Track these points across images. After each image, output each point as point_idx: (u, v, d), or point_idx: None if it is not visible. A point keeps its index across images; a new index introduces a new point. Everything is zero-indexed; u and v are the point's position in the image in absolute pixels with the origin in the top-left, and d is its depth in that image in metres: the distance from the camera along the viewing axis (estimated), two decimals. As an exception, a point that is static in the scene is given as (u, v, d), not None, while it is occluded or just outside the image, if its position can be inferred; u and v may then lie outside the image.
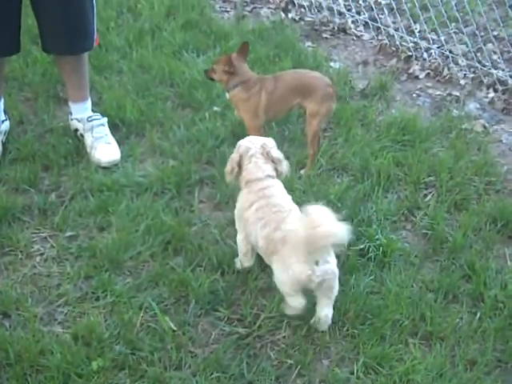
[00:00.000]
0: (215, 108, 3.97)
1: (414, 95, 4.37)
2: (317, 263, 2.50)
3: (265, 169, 2.78)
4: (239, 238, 2.87)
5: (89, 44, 3.43)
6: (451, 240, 3.16)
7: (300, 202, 3.19)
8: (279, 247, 2.58)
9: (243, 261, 2.90)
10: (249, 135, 3.41)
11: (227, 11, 5.24)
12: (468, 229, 3.20)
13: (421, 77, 4.52)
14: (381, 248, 3.05)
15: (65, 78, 3.56)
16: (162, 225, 3.11)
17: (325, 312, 2.64)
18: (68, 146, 3.57)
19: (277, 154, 2.85)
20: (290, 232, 2.55)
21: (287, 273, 2.54)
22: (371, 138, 3.80)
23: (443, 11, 4.84)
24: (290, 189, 3.12)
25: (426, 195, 3.50)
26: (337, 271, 2.57)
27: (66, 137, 3.63)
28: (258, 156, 2.79)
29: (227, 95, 3.50)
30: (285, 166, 2.85)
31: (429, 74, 4.55)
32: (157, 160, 3.60)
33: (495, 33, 4.93)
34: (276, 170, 2.83)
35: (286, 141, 3.78)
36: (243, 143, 2.85)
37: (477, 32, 4.76)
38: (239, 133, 3.75)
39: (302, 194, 3.37)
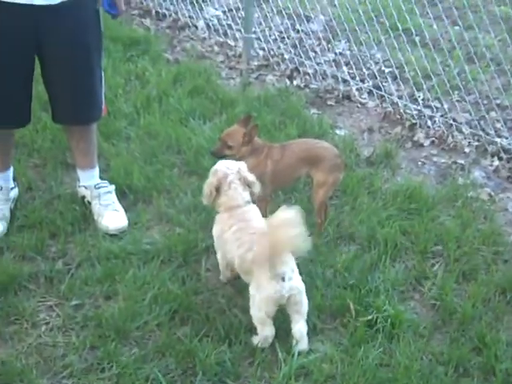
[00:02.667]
0: (222, 175, 3.99)
1: (420, 163, 4.40)
2: (283, 279, 2.72)
3: (244, 195, 3.01)
4: (219, 255, 3.13)
5: (96, 114, 3.48)
6: (460, 311, 3.13)
7: (307, 272, 3.21)
8: (251, 267, 2.80)
9: (224, 275, 3.18)
10: (256, 204, 3.47)
11: (233, 78, 5.32)
12: (477, 300, 3.18)
13: (425, 144, 4.56)
14: (389, 319, 3.02)
15: (73, 146, 3.59)
16: (169, 294, 3.09)
17: (297, 327, 2.83)
18: (75, 213, 3.57)
19: (251, 177, 3.05)
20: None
21: (260, 293, 2.76)
22: (377, 207, 3.81)
23: (445, 80, 4.91)
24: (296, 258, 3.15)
25: (433, 264, 3.48)
26: (302, 287, 2.82)
27: (74, 204, 3.65)
28: (236, 182, 2.99)
29: None
30: (258, 187, 3.07)
31: (433, 141, 4.59)
32: (163, 227, 3.60)
33: (498, 101, 4.99)
34: (251, 192, 3.04)
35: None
36: (220, 168, 3.03)
37: (479, 100, 4.82)
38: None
39: (308, 263, 3.36)
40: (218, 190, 3.01)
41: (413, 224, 3.68)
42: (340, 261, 3.39)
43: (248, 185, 3.04)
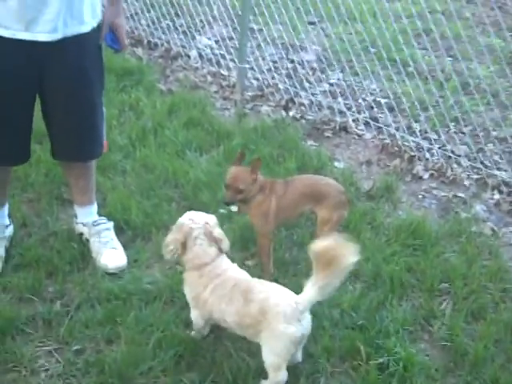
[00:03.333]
0: (221, 210, 3.91)
1: (420, 196, 4.35)
2: (299, 320, 2.64)
3: (210, 252, 2.84)
4: (194, 314, 2.93)
5: (98, 151, 3.39)
6: (472, 352, 3.05)
7: (313, 311, 3.12)
8: (260, 319, 2.65)
9: (199, 332, 2.99)
10: (259, 240, 3.39)
11: (227, 109, 5.26)
12: (488, 340, 3.11)
13: (425, 177, 4.51)
14: (401, 362, 2.93)
15: (71, 182, 3.49)
16: (174, 337, 2.99)
17: (298, 354, 2.84)
18: (73, 251, 3.47)
19: (218, 233, 2.89)
20: (265, 301, 2.67)
21: (279, 340, 2.63)
22: (381, 243, 3.74)
23: (442, 111, 4.88)
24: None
25: (440, 303, 3.41)
26: None
27: (71, 241, 3.54)
28: (202, 237, 2.83)
29: (234, 208, 3.41)
30: (226, 245, 2.91)
31: (432, 174, 4.54)
32: (164, 265, 3.50)
33: (495, 133, 4.97)
34: (219, 248, 2.87)
35: (294, 245, 3.72)
36: (185, 222, 2.87)
37: (477, 132, 4.79)
38: (248, 236, 3.70)
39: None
40: (183, 245, 2.85)
41: (418, 261, 3.61)
42: (346, 300, 3.31)
43: (215, 240, 2.87)
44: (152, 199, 3.96)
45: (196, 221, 2.89)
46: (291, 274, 3.52)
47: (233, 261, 3.27)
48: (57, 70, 3.03)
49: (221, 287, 2.79)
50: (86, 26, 3.03)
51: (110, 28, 3.16)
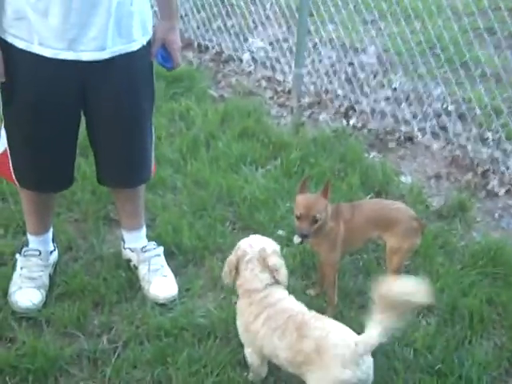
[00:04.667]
0: (280, 232, 3.61)
1: (496, 215, 3.97)
2: (358, 365, 2.37)
3: (262, 278, 2.61)
4: (248, 351, 2.67)
5: (146, 176, 3.13)
6: None
7: (383, 351, 2.81)
8: (314, 357, 2.40)
9: (257, 374, 2.71)
10: (324, 269, 3.08)
11: (283, 117, 4.95)
12: None
13: (501, 194, 4.13)
14: (487, 416, 2.60)
15: (119, 206, 3.24)
16: (230, 381, 2.70)
17: None
18: (120, 279, 3.20)
19: (274, 261, 2.62)
20: (321, 340, 2.40)
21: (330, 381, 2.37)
22: (456, 270, 3.39)
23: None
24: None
25: (525, 342, 3.05)
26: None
27: (118, 268, 3.28)
28: (254, 263, 2.61)
29: (297, 239, 3.01)
30: (283, 276, 2.64)
31: (509, 190, 4.16)
32: (218, 295, 3.22)
33: None
34: (274, 278, 2.62)
35: (360, 272, 3.40)
36: (242, 245, 2.67)
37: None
38: (308, 262, 3.40)
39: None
40: (237, 268, 2.65)
41: (498, 292, 3.25)
42: (420, 337, 2.98)
43: (269, 269, 2.61)
44: (204, 219, 3.68)
45: (253, 245, 2.67)
46: (357, 306, 3.20)
47: (293, 289, 3.01)
48: (103, 90, 2.76)
49: (273, 318, 2.54)
50: (136, 44, 2.75)
51: (162, 45, 2.87)
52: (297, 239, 3.01)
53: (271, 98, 5.21)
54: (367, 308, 3.13)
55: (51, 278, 3.17)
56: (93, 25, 2.58)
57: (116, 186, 3.12)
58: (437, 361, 2.87)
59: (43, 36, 2.57)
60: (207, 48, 5.91)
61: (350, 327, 2.96)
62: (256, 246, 2.66)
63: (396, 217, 3.06)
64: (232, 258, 2.68)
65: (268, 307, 2.57)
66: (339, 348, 2.39)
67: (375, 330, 2.39)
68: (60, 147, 2.87)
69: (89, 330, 2.96)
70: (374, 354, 2.83)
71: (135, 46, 2.77)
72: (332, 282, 3.09)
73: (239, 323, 2.70)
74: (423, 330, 3.05)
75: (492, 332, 3.08)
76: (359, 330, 2.96)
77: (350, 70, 5.35)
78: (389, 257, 3.08)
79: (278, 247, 2.74)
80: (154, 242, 3.31)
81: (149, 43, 2.85)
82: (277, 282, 2.65)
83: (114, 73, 2.72)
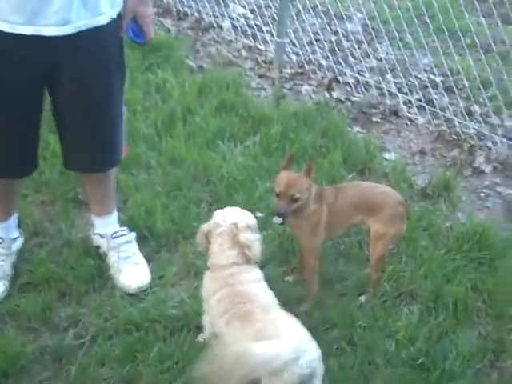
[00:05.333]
0: (258, 214, 3.44)
1: (482, 194, 3.83)
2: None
3: (229, 255, 2.48)
4: (206, 319, 2.59)
5: (116, 159, 2.95)
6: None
7: (364, 344, 2.70)
8: None
9: (208, 337, 2.59)
10: (305, 256, 2.94)
11: (264, 89, 4.75)
12: None
13: (487, 171, 3.98)
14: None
15: (88, 191, 3.07)
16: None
17: None
18: (89, 268, 3.04)
19: (245, 238, 2.49)
20: (261, 332, 2.24)
21: None
22: (440, 255, 3.26)
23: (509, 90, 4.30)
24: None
25: (510, 330, 2.94)
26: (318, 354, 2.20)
27: (87, 255, 3.11)
28: (224, 237, 2.49)
29: (277, 219, 2.83)
30: (255, 251, 2.51)
31: (496, 167, 4.01)
32: (192, 283, 3.07)
33: None
34: (245, 254, 2.48)
35: (341, 256, 3.26)
36: (217, 216, 2.56)
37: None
38: (288, 247, 3.26)
39: (363, 331, 2.83)
40: (207, 238, 2.54)
41: (484, 278, 3.13)
42: (402, 327, 2.86)
43: (240, 245, 2.48)
44: (179, 200, 3.52)
45: (227, 218, 2.54)
46: (338, 294, 3.07)
47: (271, 276, 2.87)
48: (69, 69, 2.56)
49: (224, 301, 2.42)
50: (104, 18, 2.54)
51: (133, 18, 2.67)
52: (277, 219, 2.84)
53: (252, 68, 5.00)
54: (348, 296, 3.05)
55: (15, 266, 3.01)
56: None
57: (85, 170, 2.93)
58: (419, 353, 2.76)
59: (0, 9, 2.37)
60: (186, 15, 5.66)
61: (330, 316, 2.87)
62: (229, 219, 2.52)
63: (382, 201, 2.90)
64: (204, 226, 2.56)
65: (225, 287, 2.44)
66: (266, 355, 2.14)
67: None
68: (22, 130, 2.68)
69: (54, 323, 2.81)
70: (354, 347, 2.74)
71: (103, 20, 2.55)
72: (313, 270, 2.95)
73: (202, 292, 2.58)
74: (405, 318, 2.93)
75: (477, 321, 2.97)
76: (340, 319, 2.86)
77: (334, 39, 5.14)
78: (373, 243, 2.93)
79: (253, 221, 2.60)
80: (125, 228, 3.14)
81: (119, 16, 2.63)
82: (248, 260, 2.51)
83: (81, 49, 2.52)
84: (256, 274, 2.55)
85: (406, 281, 3.10)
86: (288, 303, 2.69)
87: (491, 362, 2.80)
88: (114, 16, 2.60)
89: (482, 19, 4.37)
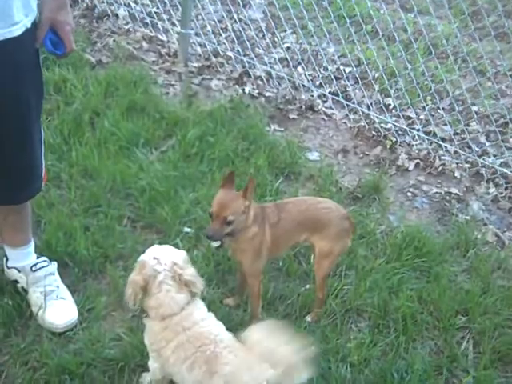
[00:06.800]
0: (186, 229, 3.21)
1: (409, 194, 3.77)
2: None
3: (179, 300, 2.26)
4: (154, 365, 2.35)
5: (37, 188, 2.60)
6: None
7: (320, 370, 2.56)
8: None
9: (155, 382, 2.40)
10: (248, 280, 2.73)
11: (172, 85, 4.45)
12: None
13: (410, 168, 3.92)
14: None
15: None
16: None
17: None
18: (7, 308, 2.68)
19: (189, 274, 2.29)
20: (231, 376, 2.14)
21: None
22: (382, 265, 3.15)
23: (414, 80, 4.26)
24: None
25: (459, 342, 2.88)
26: None
27: (2, 293, 2.75)
28: (169, 283, 2.25)
29: (215, 244, 2.60)
30: (200, 285, 2.32)
31: (418, 164, 3.96)
32: (125, 314, 2.79)
33: (475, 108, 4.43)
34: (191, 292, 2.30)
35: (281, 275, 3.08)
36: (148, 262, 2.26)
37: (456, 107, 4.23)
38: (225, 267, 3.04)
39: (318, 356, 2.67)
40: (144, 290, 2.25)
41: (428, 288, 3.06)
42: (354, 348, 2.73)
43: (186, 284, 2.28)
44: (99, 219, 3.20)
45: (162, 260, 2.26)
46: (282, 314, 2.89)
47: (209, 299, 2.66)
48: None
49: (183, 347, 2.22)
50: (17, 28, 2.19)
51: (51, 26, 2.32)
52: (214, 243, 2.62)
53: (155, 62, 4.68)
54: (293, 315, 2.88)
55: None
56: None
57: (5, 204, 2.56)
58: (375, 377, 2.65)
59: None
60: (76, 2, 5.21)
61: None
62: (165, 261, 2.26)
63: (327, 218, 2.73)
64: (137, 278, 2.25)
65: (181, 333, 2.24)
66: None
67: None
68: None
69: (-27, 376, 2.46)
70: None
71: (17, 31, 2.20)
72: (256, 294, 2.76)
73: (148, 341, 2.34)
74: (355, 338, 2.80)
75: (426, 335, 2.89)
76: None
77: (237, 27, 4.91)
78: (318, 261, 2.77)
79: (185, 254, 2.36)
80: (44, 258, 2.80)
81: (34, 25, 2.28)
82: (193, 295, 2.30)
83: None
84: (203, 308, 2.36)
85: (350, 296, 2.97)
86: (230, 328, 2.48)
87: (446, 379, 2.73)
88: (29, 25, 2.25)
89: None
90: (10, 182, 2.45)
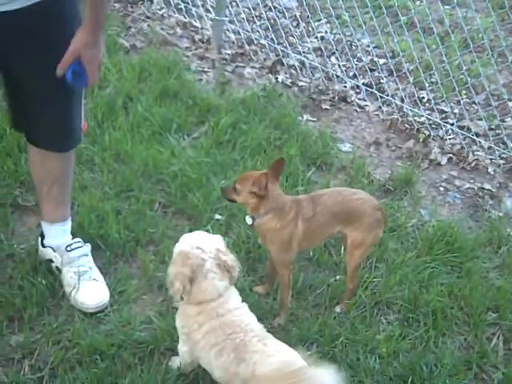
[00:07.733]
0: (217, 216, 3.21)
1: (441, 188, 3.73)
2: None
3: (220, 287, 2.27)
4: (183, 348, 2.38)
5: (78, 137, 2.64)
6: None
7: (348, 361, 2.55)
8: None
9: (186, 368, 2.43)
10: (278, 270, 2.73)
11: (205, 72, 4.44)
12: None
13: (443, 163, 3.88)
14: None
15: (43, 189, 2.68)
16: (183, 414, 2.34)
17: None
18: (40, 287, 2.70)
19: (232, 260, 2.32)
20: (259, 367, 2.12)
21: None
22: (413, 259, 3.13)
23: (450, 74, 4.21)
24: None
25: (490, 338, 2.86)
26: None
27: (36, 271, 2.76)
28: (215, 270, 2.26)
29: (248, 220, 2.69)
30: (237, 272, 2.34)
31: (451, 158, 3.92)
32: (156, 297, 2.81)
33: (511, 103, 4.37)
34: (230, 277, 2.32)
35: (311, 265, 3.08)
36: (192, 252, 2.25)
37: (492, 102, 4.17)
38: (254, 255, 3.03)
39: (345, 347, 2.67)
40: (191, 281, 2.24)
41: (459, 284, 3.03)
42: (383, 341, 2.72)
43: (228, 270, 2.29)
44: (131, 202, 3.22)
45: (206, 249, 2.27)
46: (311, 305, 2.89)
47: (239, 287, 2.65)
48: (19, 46, 2.25)
49: (214, 333, 2.23)
50: None
51: (77, 58, 2.23)
52: (249, 220, 2.66)
53: (188, 48, 4.67)
54: (322, 306, 2.87)
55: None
56: None
57: (48, 147, 2.58)
58: (404, 369, 2.63)
59: None
60: (111, -14, 5.22)
61: (307, 331, 2.68)
62: (209, 249, 2.27)
63: (360, 209, 2.72)
64: (184, 270, 2.23)
65: (215, 318, 2.25)
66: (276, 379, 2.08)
67: None
68: None
69: (5, 353, 2.48)
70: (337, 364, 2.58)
71: None
72: (286, 284, 2.75)
73: (180, 324, 2.37)
74: (384, 330, 2.79)
75: (456, 330, 2.87)
76: (319, 334, 2.69)
77: (272, 14, 4.89)
78: (350, 252, 2.75)
79: (221, 239, 2.38)
80: (79, 239, 2.81)
81: None
82: (231, 281, 2.33)
83: (34, 23, 2.22)
84: (237, 297, 2.37)
85: (380, 289, 2.95)
86: (260, 316, 2.48)
87: (475, 374, 2.71)
88: None
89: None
90: (57, 129, 2.52)
